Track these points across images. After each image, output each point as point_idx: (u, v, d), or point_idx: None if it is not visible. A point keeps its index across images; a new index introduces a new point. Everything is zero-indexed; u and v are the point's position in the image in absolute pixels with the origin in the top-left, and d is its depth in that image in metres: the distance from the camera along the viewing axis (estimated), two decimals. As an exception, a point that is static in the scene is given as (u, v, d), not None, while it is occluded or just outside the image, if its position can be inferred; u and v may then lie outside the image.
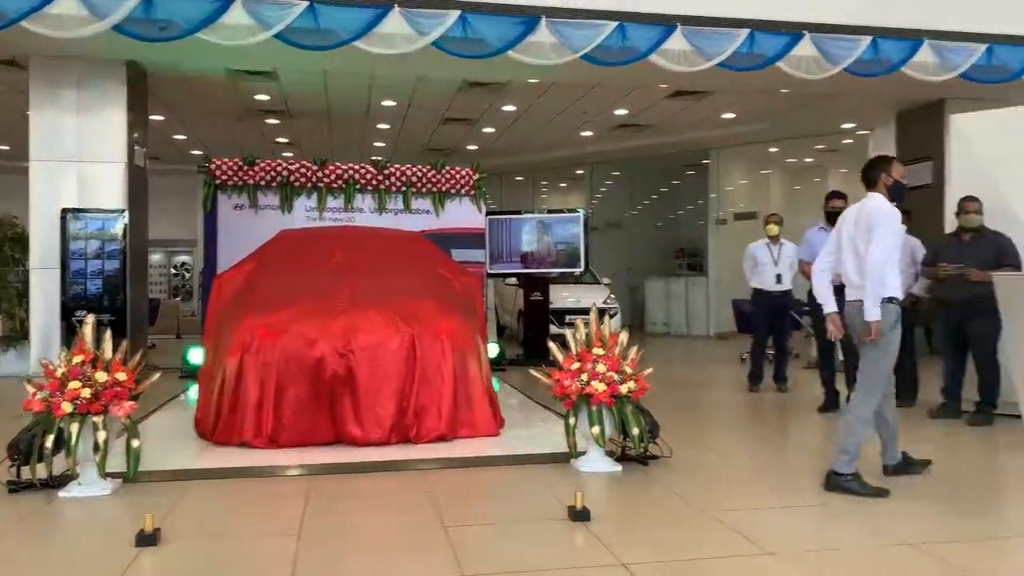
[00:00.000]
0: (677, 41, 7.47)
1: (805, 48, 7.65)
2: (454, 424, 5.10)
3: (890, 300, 4.07)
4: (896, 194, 4.22)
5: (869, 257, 4.02)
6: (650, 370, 4.59)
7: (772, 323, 7.69)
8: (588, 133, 13.70)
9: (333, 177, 8.62)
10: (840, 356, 6.68)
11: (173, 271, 19.73)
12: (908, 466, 4.40)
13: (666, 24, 7.42)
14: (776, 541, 3.33)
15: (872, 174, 4.26)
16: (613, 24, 7.34)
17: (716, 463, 4.86)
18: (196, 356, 7.84)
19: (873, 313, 4.00)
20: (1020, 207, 6.10)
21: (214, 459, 4.67)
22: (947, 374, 6.21)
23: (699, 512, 3.75)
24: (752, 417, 6.72)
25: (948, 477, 4.43)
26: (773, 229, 7.68)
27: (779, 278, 7.53)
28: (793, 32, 7.60)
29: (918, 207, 7.96)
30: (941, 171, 8.99)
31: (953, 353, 6.15)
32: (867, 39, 7.70)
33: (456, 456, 4.74)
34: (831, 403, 6.50)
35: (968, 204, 6.03)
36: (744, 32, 7.50)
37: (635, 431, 4.39)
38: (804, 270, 6.76)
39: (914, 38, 7.79)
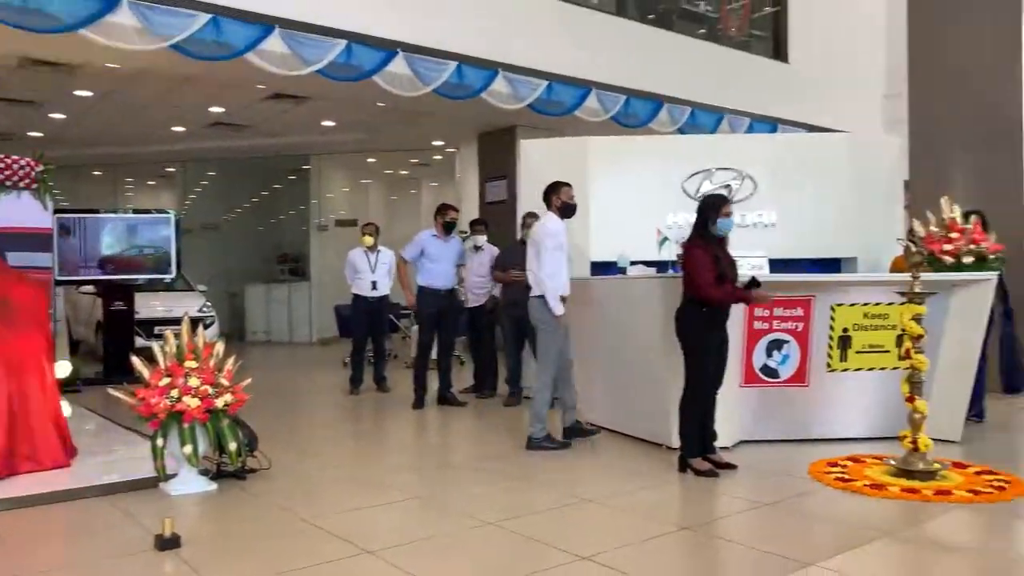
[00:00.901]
0: (275, 43, 7.35)
1: (399, 66, 8.08)
2: (11, 459, 4.35)
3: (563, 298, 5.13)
4: (565, 212, 5.23)
5: (541, 271, 5.06)
6: (249, 380, 4.43)
7: (371, 327, 7.98)
8: (180, 129, 12.73)
9: None
10: (434, 355, 7.21)
11: None
12: (582, 432, 5.41)
13: (264, 24, 7.25)
14: (375, 538, 3.46)
15: (548, 198, 5.26)
16: (207, 16, 6.94)
17: (317, 469, 4.88)
18: None
19: (557, 308, 5.06)
20: (572, 222, 7.19)
21: None
22: (510, 367, 7.09)
23: (299, 521, 3.73)
24: (352, 419, 6.89)
25: (517, 457, 5.05)
26: (368, 240, 7.96)
27: (375, 284, 7.85)
28: (388, 49, 7.98)
29: (496, 220, 8.96)
30: (514, 188, 10.20)
31: (515, 348, 7.02)
32: (453, 64, 8.42)
33: (15, 496, 4.04)
34: (421, 400, 6.95)
35: (528, 219, 6.94)
36: (342, 43, 7.67)
37: (232, 446, 4.21)
38: (400, 266, 7.32)
39: (491, 68, 8.73)
